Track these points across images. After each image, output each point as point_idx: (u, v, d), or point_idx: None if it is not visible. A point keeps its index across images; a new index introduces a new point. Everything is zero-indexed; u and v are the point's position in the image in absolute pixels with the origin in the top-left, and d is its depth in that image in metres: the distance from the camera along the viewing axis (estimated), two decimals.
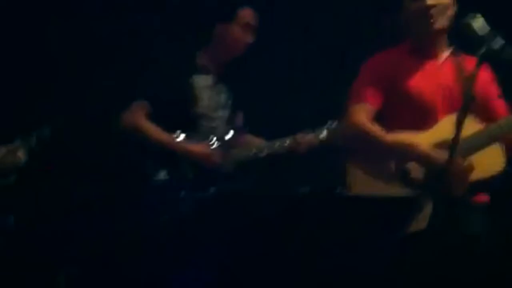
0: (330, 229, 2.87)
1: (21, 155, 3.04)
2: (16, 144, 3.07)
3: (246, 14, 3.55)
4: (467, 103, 2.77)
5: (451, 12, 3.00)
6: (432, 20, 2.97)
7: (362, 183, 2.97)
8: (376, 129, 2.99)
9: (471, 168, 2.83)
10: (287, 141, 3.52)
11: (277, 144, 3.53)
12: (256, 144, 3.60)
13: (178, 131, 3.43)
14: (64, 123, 3.33)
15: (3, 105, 3.66)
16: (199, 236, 3.30)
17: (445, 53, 3.08)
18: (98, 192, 3.73)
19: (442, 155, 2.79)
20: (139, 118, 3.42)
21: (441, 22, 2.98)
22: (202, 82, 3.53)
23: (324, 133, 3.52)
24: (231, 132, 3.56)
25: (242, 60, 3.60)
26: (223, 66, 3.59)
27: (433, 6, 2.97)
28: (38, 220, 3.59)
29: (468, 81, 2.90)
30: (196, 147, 3.43)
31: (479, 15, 2.75)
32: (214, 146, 3.48)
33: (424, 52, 3.08)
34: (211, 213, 3.35)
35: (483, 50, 2.73)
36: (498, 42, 2.72)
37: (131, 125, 3.42)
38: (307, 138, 3.51)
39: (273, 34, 3.85)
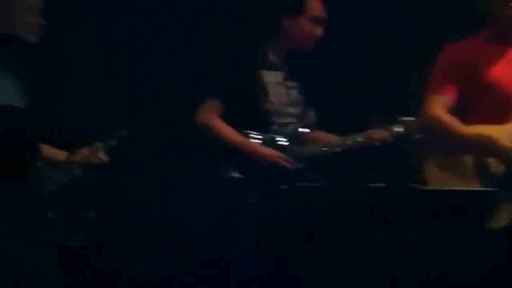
0: (405, 223, 2.83)
1: (102, 155, 3.09)
2: (97, 145, 3.13)
3: (315, 6, 3.46)
4: None
5: None
6: None
7: (439, 177, 2.91)
8: (453, 121, 2.93)
9: None
10: (360, 137, 3.45)
11: (349, 140, 3.47)
12: (328, 141, 3.54)
13: (249, 131, 3.42)
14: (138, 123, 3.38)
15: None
16: (272, 233, 3.30)
17: None
18: (170, 189, 3.77)
19: None
20: (212, 116, 3.41)
21: None
22: (272, 78, 3.49)
23: (399, 127, 3.42)
24: (302, 129, 3.53)
25: (312, 55, 3.54)
26: (292, 62, 3.54)
27: None
28: (119, 217, 3.64)
29: None
30: (267, 151, 3.39)
31: None
32: (285, 144, 3.46)
33: (506, 39, 2.98)
34: (282, 210, 3.34)
35: None
36: None
37: (203, 123, 3.42)
38: (380, 133, 3.44)
39: (340, 26, 3.85)
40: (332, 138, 3.57)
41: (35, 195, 2.72)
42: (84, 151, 3.01)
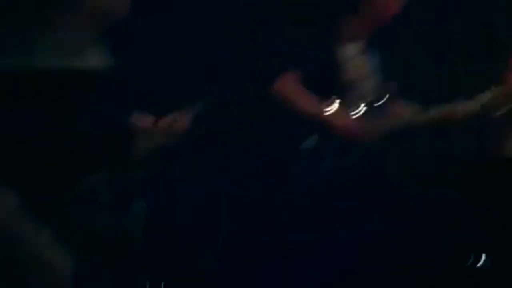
0: (490, 193, 2.80)
1: (185, 123, 3.13)
2: (180, 112, 3.17)
3: None
4: None
5: None
6: None
7: None
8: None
9: None
10: (442, 109, 3.41)
11: (431, 112, 3.42)
12: (406, 114, 3.49)
13: (334, 97, 3.40)
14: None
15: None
16: (350, 201, 3.31)
17: None
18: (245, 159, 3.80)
19: None
20: (289, 87, 3.41)
21: None
22: (350, 50, 3.49)
23: (483, 100, 3.34)
24: (382, 101, 3.49)
25: (391, 26, 3.51)
26: (371, 34, 3.51)
27: None
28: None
29: None
30: (344, 120, 3.39)
31: None
32: (362, 116, 3.43)
33: None
34: (357, 179, 3.35)
35: None
36: None
37: (281, 93, 3.42)
38: (463, 106, 3.38)
39: None
40: (411, 110, 3.52)
41: (123, 160, 2.77)
42: (168, 118, 3.07)
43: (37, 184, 2.13)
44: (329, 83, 3.44)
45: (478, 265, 3.15)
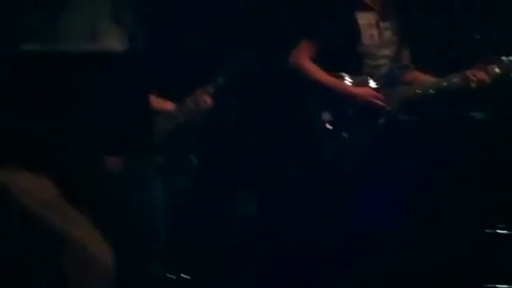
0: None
1: (206, 100, 3.16)
2: (200, 91, 3.21)
3: None
4: None
5: None
6: None
7: None
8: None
9: None
10: (456, 78, 3.38)
11: (445, 81, 3.41)
12: (422, 83, 3.50)
13: (343, 73, 3.43)
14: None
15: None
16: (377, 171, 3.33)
17: None
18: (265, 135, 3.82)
19: None
20: (304, 58, 3.44)
21: None
22: (365, 19, 3.48)
23: (498, 67, 3.33)
24: (397, 70, 3.49)
25: None
26: (386, 3, 3.49)
27: None
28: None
29: None
30: (359, 90, 3.41)
31: None
32: (378, 85, 3.44)
33: None
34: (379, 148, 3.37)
35: None
36: None
37: (296, 64, 3.45)
38: (477, 74, 3.35)
39: None
40: (428, 78, 3.53)
41: (146, 142, 2.79)
42: (189, 100, 3.18)
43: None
44: (343, 53, 3.44)
45: None
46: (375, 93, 3.42)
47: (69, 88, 2.20)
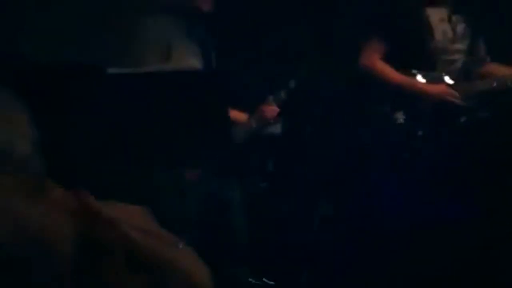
0: None
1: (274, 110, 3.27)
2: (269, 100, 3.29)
3: None
4: None
5: None
6: None
7: None
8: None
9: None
10: None
11: None
12: (498, 76, 3.41)
13: (415, 71, 3.38)
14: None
15: None
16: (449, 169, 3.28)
17: None
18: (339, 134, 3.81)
19: None
20: (375, 58, 3.41)
21: None
22: (436, 15, 3.41)
23: None
24: (473, 64, 3.43)
25: None
26: None
27: None
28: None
29: None
30: (434, 88, 3.35)
31: None
32: (454, 81, 3.38)
33: None
34: (451, 146, 3.31)
35: None
36: None
37: (367, 66, 3.42)
38: None
39: None
40: (505, 70, 3.44)
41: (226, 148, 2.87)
42: (259, 111, 3.32)
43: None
44: (415, 50, 3.39)
45: None
46: (450, 90, 3.35)
47: (153, 107, 2.25)
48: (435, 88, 3.36)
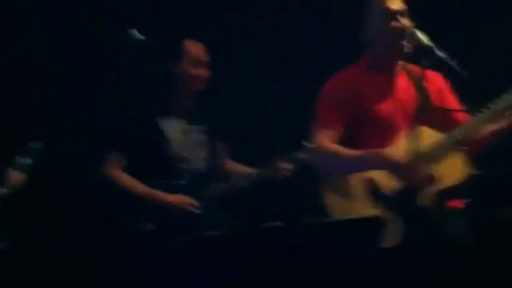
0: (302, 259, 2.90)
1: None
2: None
3: (193, 50, 3.59)
4: (422, 115, 2.91)
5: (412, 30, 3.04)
6: (405, 43, 3.04)
7: (336, 203, 3.05)
8: (340, 148, 3.08)
9: (435, 178, 2.93)
10: (266, 170, 3.56)
11: (255, 174, 3.58)
12: (237, 176, 3.63)
13: (157, 180, 3.50)
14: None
15: None
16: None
17: (401, 68, 3.16)
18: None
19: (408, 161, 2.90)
20: (115, 171, 3.52)
21: (410, 44, 3.04)
22: (173, 124, 3.59)
23: (303, 154, 3.52)
24: (210, 168, 3.61)
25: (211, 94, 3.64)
26: (190, 103, 3.62)
27: (406, 27, 3.05)
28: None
29: (420, 93, 3.03)
30: (172, 198, 3.49)
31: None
32: (193, 188, 3.53)
33: (382, 68, 3.15)
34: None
35: (429, 59, 2.89)
36: (440, 53, 2.86)
37: (108, 178, 3.52)
38: (286, 163, 3.54)
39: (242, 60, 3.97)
40: (243, 169, 3.68)
41: None
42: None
43: None
44: (154, 160, 3.53)
45: None
46: (187, 199, 3.50)
47: None
48: (172, 198, 3.49)
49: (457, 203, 3.06)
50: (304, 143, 3.50)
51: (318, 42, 4.14)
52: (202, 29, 3.90)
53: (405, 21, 3.08)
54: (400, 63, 3.15)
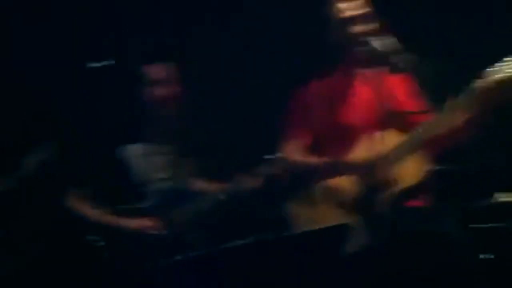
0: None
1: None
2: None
3: (151, 71, 3.57)
4: (385, 118, 2.93)
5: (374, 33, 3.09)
6: (362, 48, 3.08)
7: (303, 213, 3.08)
8: (307, 157, 3.13)
9: (397, 179, 2.95)
10: (233, 185, 3.53)
11: (223, 190, 3.55)
12: (204, 194, 3.59)
13: (121, 206, 3.48)
14: None
15: None
16: None
17: (364, 73, 3.19)
18: None
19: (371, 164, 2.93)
20: (78, 202, 3.50)
21: (368, 48, 3.07)
22: (136, 150, 3.58)
23: (267, 167, 3.43)
24: (176, 188, 3.58)
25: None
26: (156, 125, 3.59)
27: (363, 32, 3.09)
28: None
29: (383, 96, 3.06)
30: (136, 223, 3.46)
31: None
32: (160, 210, 3.50)
33: (343, 75, 3.20)
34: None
35: (390, 63, 2.92)
36: (401, 57, 2.89)
37: (74, 208, 3.50)
38: (250, 178, 3.51)
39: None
40: (210, 186, 3.63)
41: None
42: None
43: None
44: (117, 186, 3.52)
45: None
46: (151, 222, 3.47)
47: None
48: (137, 223, 3.46)
49: (420, 202, 3.07)
50: (268, 156, 3.44)
51: (280, 54, 4.16)
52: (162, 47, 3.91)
53: (363, 27, 3.10)
54: (362, 68, 3.18)
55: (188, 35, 4.23)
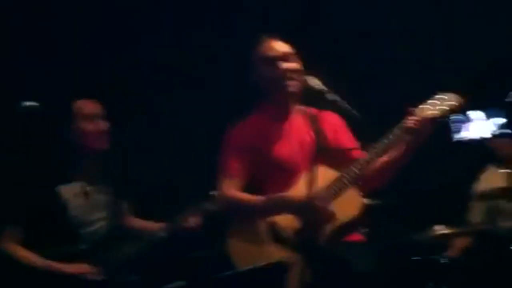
0: None
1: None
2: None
3: (83, 106, 3.52)
4: (320, 155, 2.98)
5: (301, 72, 3.13)
6: (289, 84, 3.11)
7: (241, 250, 3.06)
8: (245, 196, 3.11)
9: (333, 215, 2.98)
10: (173, 224, 3.49)
11: (162, 229, 3.51)
12: (143, 234, 3.55)
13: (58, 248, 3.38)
14: None
15: None
16: None
17: (296, 111, 3.23)
18: None
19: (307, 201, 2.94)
20: (12, 246, 3.40)
21: (296, 84, 3.12)
22: (71, 190, 3.49)
23: (210, 204, 3.46)
24: (113, 229, 3.51)
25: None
26: (91, 163, 3.52)
27: (289, 70, 3.12)
28: None
29: (317, 133, 3.11)
30: (71, 268, 3.37)
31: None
32: (98, 251, 3.43)
33: (277, 112, 3.22)
34: None
35: (322, 101, 2.97)
36: (332, 96, 2.93)
37: (8, 253, 3.40)
38: (193, 217, 3.49)
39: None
40: (150, 225, 3.60)
41: None
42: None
43: None
44: (53, 228, 3.43)
45: None
46: (87, 267, 3.39)
47: None
48: (72, 268, 3.37)
49: (357, 236, 3.11)
50: (211, 193, 3.44)
51: (220, 92, 4.19)
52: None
53: (289, 64, 3.15)
54: (295, 105, 3.22)
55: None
